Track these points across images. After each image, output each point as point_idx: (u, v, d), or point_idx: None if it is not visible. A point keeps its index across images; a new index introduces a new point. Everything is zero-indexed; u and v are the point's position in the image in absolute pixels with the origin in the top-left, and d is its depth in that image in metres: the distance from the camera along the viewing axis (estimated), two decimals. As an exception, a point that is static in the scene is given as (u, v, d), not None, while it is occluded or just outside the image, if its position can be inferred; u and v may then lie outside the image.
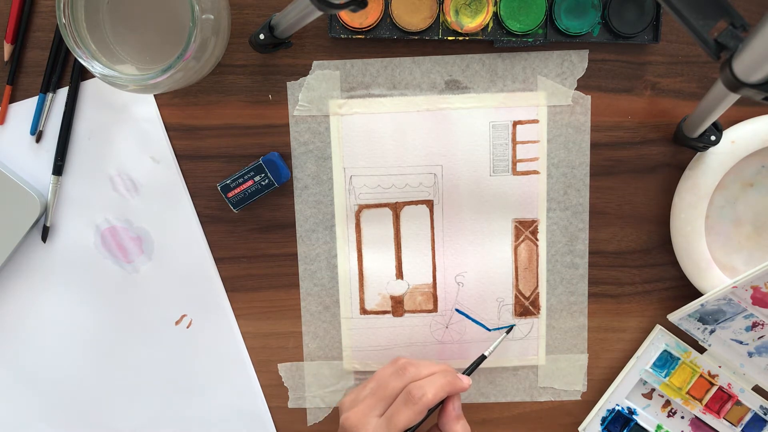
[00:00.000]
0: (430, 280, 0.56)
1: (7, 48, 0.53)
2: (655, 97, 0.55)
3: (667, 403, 0.58)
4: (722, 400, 0.56)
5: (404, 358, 0.50)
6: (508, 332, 0.56)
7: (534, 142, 0.54)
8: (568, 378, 0.58)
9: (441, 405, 0.49)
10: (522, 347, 0.57)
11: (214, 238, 0.56)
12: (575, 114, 0.54)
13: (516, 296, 0.56)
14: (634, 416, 0.57)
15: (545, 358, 0.58)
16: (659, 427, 0.57)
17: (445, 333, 0.57)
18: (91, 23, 0.46)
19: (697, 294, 0.55)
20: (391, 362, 0.50)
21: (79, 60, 0.45)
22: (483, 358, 0.53)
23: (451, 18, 0.51)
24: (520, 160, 0.55)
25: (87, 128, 0.55)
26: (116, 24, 0.47)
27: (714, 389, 0.56)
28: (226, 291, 0.57)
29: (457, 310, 0.56)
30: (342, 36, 0.52)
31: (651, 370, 0.56)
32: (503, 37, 0.52)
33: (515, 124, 0.54)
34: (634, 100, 0.55)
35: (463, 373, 0.52)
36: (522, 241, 0.56)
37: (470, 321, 0.56)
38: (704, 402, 0.56)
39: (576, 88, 0.54)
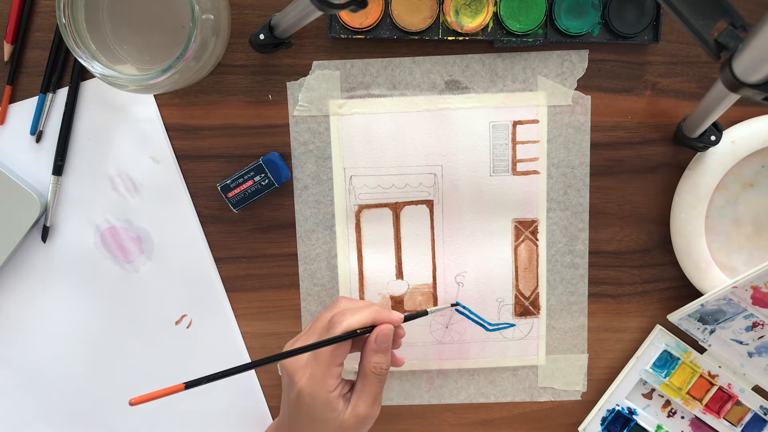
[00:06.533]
0: (430, 280, 0.56)
1: (7, 48, 0.53)
2: (655, 97, 0.55)
3: (667, 403, 0.58)
4: (722, 400, 0.56)
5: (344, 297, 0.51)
6: (454, 305, 0.56)
7: (534, 142, 0.54)
8: (568, 378, 0.58)
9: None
10: (522, 347, 0.57)
11: (214, 238, 0.56)
12: (575, 114, 0.54)
13: (516, 296, 0.56)
14: (634, 416, 0.57)
15: (545, 358, 0.58)
16: (659, 427, 0.57)
17: (445, 333, 0.57)
18: (91, 23, 0.46)
19: (697, 294, 0.55)
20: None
21: (79, 60, 0.45)
22: (425, 312, 0.52)
23: (451, 18, 0.51)
24: (520, 160, 0.55)
25: (87, 128, 0.55)
26: (116, 24, 0.47)
27: (714, 389, 0.56)
28: (226, 291, 0.57)
29: (457, 303, 0.56)
30: (342, 36, 0.52)
31: (651, 370, 0.56)
32: (503, 37, 0.52)
33: (515, 124, 0.54)
34: (634, 100, 0.55)
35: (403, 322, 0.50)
36: (522, 241, 0.56)
37: (470, 321, 0.56)
38: (704, 402, 0.56)
39: (576, 88, 0.54)
